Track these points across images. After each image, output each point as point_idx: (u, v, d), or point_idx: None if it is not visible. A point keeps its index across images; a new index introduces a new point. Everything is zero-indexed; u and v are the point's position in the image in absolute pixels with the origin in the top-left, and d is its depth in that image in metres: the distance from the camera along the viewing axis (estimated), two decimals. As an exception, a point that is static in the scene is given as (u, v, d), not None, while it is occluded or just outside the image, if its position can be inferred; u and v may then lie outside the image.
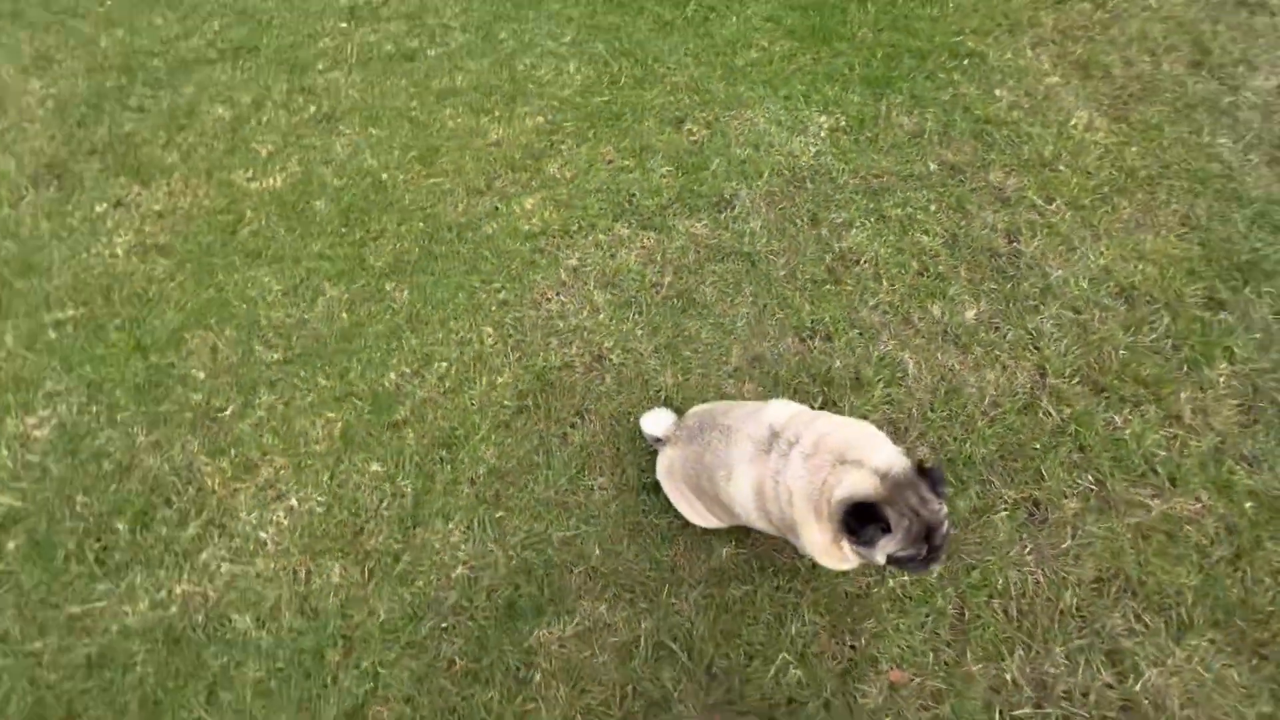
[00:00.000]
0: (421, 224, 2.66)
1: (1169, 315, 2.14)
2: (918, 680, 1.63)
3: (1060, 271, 2.28)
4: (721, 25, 3.24)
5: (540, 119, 2.96)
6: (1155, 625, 1.65)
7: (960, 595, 1.73)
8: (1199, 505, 1.79)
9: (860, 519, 1.32)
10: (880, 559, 1.38)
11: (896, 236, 2.43)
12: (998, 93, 2.81)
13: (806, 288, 2.33)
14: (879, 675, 1.63)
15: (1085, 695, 1.58)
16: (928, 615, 1.70)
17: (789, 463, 1.45)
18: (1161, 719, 1.54)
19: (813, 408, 1.98)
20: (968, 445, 1.96)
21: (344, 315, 2.41)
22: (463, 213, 2.67)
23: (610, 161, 2.78)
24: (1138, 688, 1.58)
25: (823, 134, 2.77)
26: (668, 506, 1.85)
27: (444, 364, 2.26)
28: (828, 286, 2.32)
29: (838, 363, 2.14)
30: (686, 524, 1.82)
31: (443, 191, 2.75)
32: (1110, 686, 1.59)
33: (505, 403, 2.16)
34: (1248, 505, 1.78)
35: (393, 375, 2.25)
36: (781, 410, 1.58)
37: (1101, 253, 2.31)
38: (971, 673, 1.62)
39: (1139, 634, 1.64)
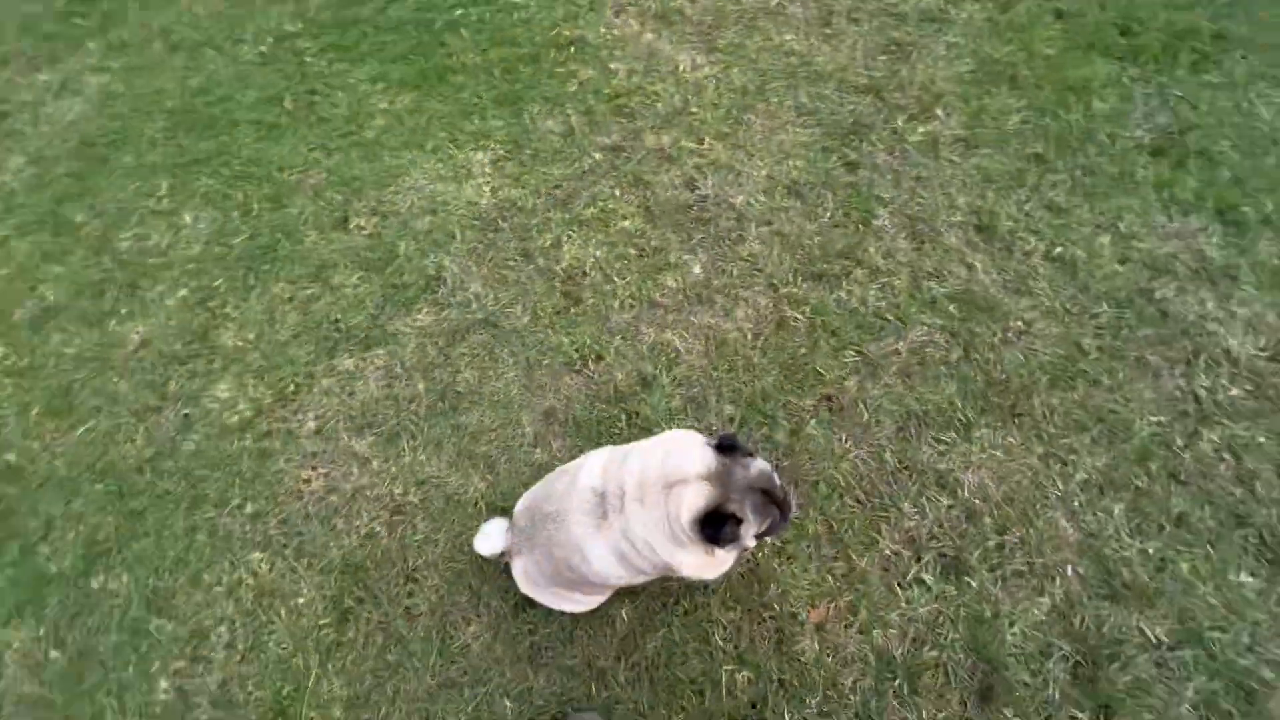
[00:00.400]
0: (99, 486, 2.09)
1: (829, 192, 2.50)
2: (833, 606, 1.74)
3: (741, 197, 2.52)
4: (332, 105, 2.98)
5: (183, 292, 2.49)
6: (950, 438, 1.95)
7: (820, 510, 1.87)
8: (925, 329, 2.15)
9: (715, 524, 1.34)
10: (751, 543, 1.42)
11: (603, 234, 2.48)
12: (613, 66, 2.99)
13: (555, 322, 2.29)
14: (804, 626, 1.72)
15: (940, 526, 1.83)
16: (808, 546, 1.82)
17: (628, 517, 1.41)
18: (990, 507, 1.84)
19: (620, 431, 1.98)
20: (757, 382, 2.11)
21: (53, 654, 1.83)
22: (145, 444, 2.16)
23: (291, 298, 2.44)
24: (965, 494, 1.86)
25: (487, 170, 2.72)
26: (549, 610, 1.72)
27: (223, 628, 1.83)
28: (572, 311, 2.31)
29: (619, 375, 2.15)
30: (575, 615, 1.72)
31: (104, 434, 2.19)
32: (951, 506, 1.85)
33: (323, 621, 1.82)
34: (951, 309, 2.18)
35: (163, 684, 1.76)
36: (593, 467, 1.53)
37: (759, 166, 2.60)
38: (863, 569, 1.78)
39: (944, 452, 1.94)
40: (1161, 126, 2.50)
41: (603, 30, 3.17)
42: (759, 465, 1.41)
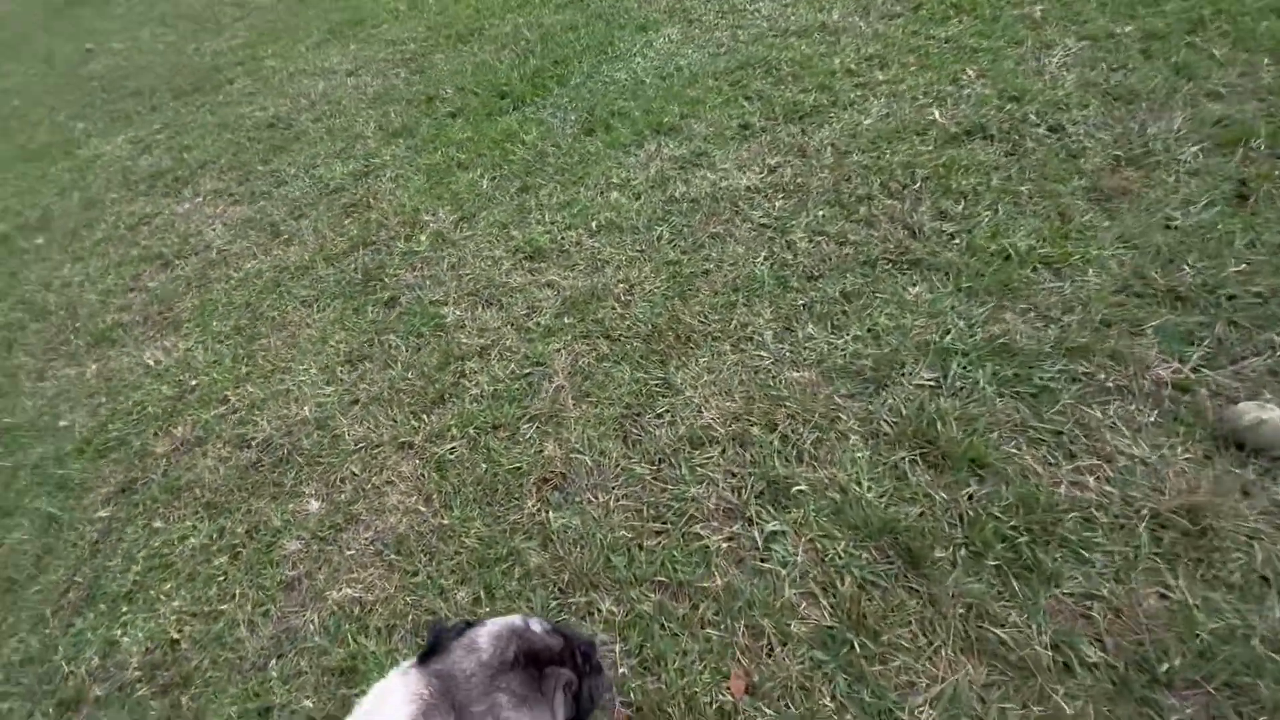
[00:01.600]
0: None
1: (389, 334, 2.19)
2: (738, 657, 1.26)
3: (306, 408, 2.03)
4: None
5: None
6: (665, 404, 1.72)
7: (633, 581, 1.41)
8: (562, 352, 1.93)
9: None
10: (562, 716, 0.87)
11: (170, 580, 1.70)
12: (64, 422, 2.26)
13: (167, 738, 1.41)
14: (740, 708, 1.19)
15: (733, 475, 1.53)
16: (662, 630, 1.33)
17: None
18: (744, 419, 1.63)
19: None
20: (467, 539, 1.58)
21: None
22: None
23: None
24: (720, 430, 1.62)
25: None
26: None
27: None
28: (186, 701, 1.46)
29: (308, 700, 1.39)
30: None
31: None
32: (723, 451, 1.58)
33: None
34: (567, 320, 2.02)
35: None
36: None
37: (305, 369, 2.16)
38: (723, 587, 1.36)
39: (670, 419, 1.69)
40: (576, 120, 2.89)
41: (30, 403, 2.43)
42: (490, 630, 0.88)
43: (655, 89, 2.89)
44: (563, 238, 2.31)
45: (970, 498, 1.36)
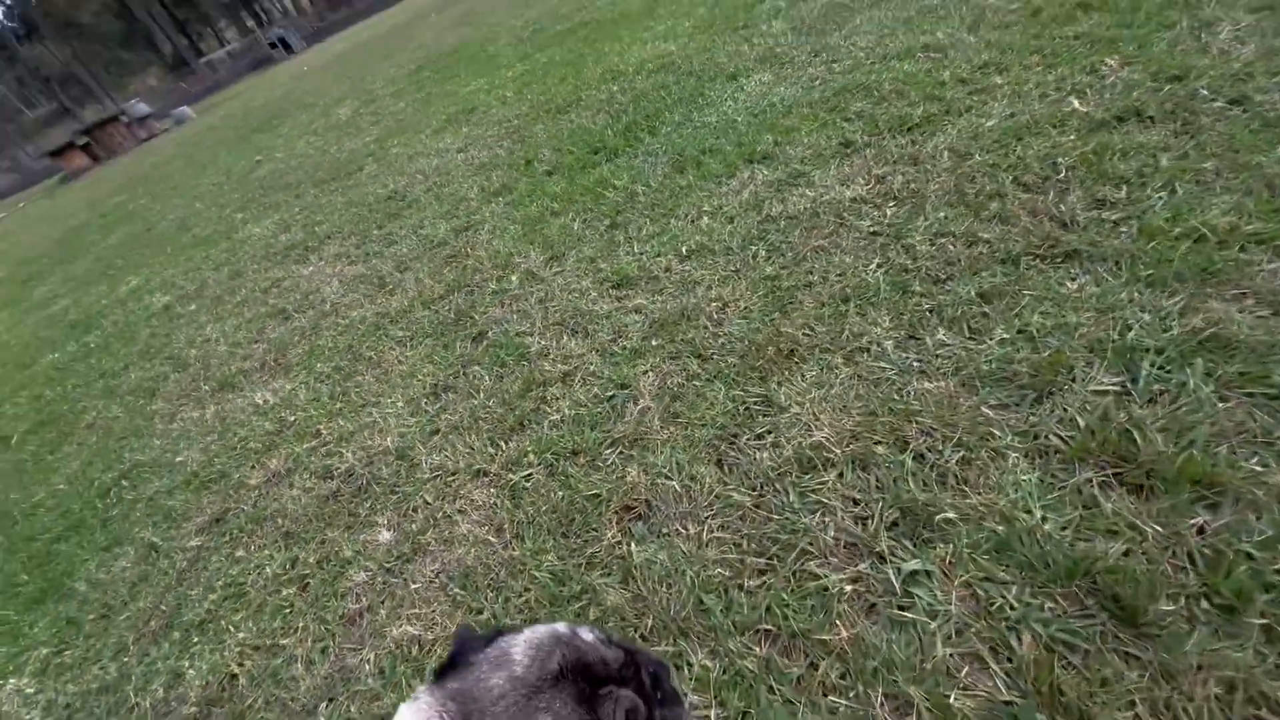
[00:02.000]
0: None
1: (474, 366, 2.13)
2: (875, 733, 0.94)
3: (389, 439, 1.98)
4: None
5: None
6: (766, 424, 1.46)
7: (728, 623, 1.13)
8: (650, 372, 1.76)
9: None
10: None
11: (241, 610, 1.62)
12: (180, 459, 2.36)
13: None
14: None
15: (854, 503, 1.23)
16: (764, 692, 1.03)
17: None
18: (864, 437, 1.34)
19: None
20: (537, 572, 1.38)
21: None
22: None
23: None
24: (836, 450, 1.34)
25: (28, 690, 1.69)
26: None
27: None
28: (228, 741, 1.32)
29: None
30: None
31: None
32: (840, 475, 1.30)
33: None
34: (655, 343, 1.86)
35: None
36: None
37: (392, 402, 2.14)
38: (849, 641, 1.04)
39: (774, 439, 1.43)
40: (666, 162, 2.86)
41: (158, 442, 2.59)
42: (528, 638, 0.67)
43: (747, 125, 2.81)
44: (651, 265, 2.20)
45: (1201, 530, 0.98)
